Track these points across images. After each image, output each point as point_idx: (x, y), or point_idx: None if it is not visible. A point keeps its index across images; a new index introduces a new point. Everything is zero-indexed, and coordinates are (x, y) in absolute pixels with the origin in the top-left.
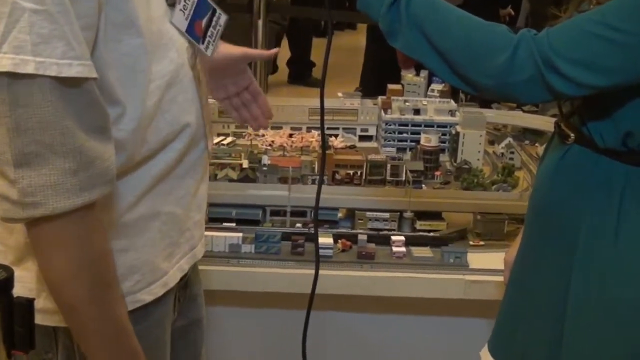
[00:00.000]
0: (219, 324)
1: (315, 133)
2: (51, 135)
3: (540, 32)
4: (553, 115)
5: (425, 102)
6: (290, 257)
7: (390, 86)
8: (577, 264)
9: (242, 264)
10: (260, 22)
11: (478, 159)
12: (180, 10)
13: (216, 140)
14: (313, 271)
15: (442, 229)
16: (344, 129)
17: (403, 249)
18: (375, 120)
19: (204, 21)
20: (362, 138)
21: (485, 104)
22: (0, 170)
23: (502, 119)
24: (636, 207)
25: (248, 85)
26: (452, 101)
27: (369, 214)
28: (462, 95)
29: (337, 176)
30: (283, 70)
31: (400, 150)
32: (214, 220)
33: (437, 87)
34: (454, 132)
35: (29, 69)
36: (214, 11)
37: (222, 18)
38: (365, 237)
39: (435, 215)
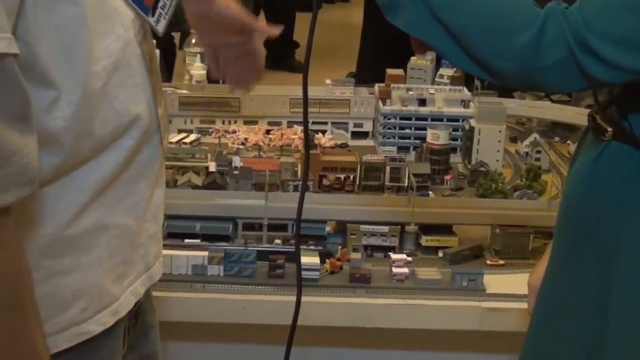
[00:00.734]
0: None
1: (298, 129)
2: None
3: (571, 5)
4: (588, 106)
5: (432, 91)
6: (267, 281)
7: (390, 71)
8: (618, 287)
9: (208, 289)
10: None
11: (497, 160)
12: None
13: (176, 137)
14: (295, 298)
15: (453, 245)
16: (333, 123)
17: (405, 269)
18: (371, 112)
19: None
20: (356, 135)
21: (506, 92)
22: None
23: (527, 111)
24: None
25: (239, 33)
26: (466, 89)
27: (363, 227)
28: (477, 83)
29: (325, 181)
30: None
31: (402, 149)
32: (174, 235)
33: (447, 72)
34: (467, 127)
35: None
36: None
37: None
38: (359, 255)
39: (445, 229)
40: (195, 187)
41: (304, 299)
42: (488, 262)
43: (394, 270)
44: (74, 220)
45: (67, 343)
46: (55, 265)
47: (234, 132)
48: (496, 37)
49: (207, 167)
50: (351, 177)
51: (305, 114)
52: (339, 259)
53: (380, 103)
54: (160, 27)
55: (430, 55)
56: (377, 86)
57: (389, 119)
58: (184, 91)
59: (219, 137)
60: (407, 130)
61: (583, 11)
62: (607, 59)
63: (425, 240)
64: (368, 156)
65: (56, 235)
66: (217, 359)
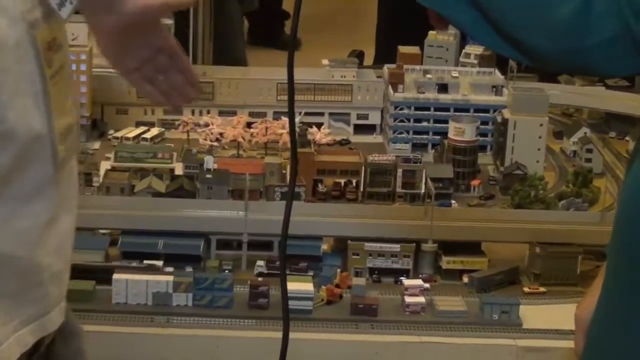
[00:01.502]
0: None
1: (287, 121)
2: None
3: None
4: None
5: (456, 74)
6: (247, 313)
7: (403, 49)
8: None
9: (173, 323)
10: None
11: (537, 161)
12: None
13: (133, 132)
14: (281, 334)
15: (481, 268)
16: (331, 114)
17: (421, 299)
18: (379, 101)
19: None
20: (360, 128)
21: (549, 76)
22: None
23: (575, 100)
24: None
25: (163, 45)
26: (498, 72)
27: (368, 245)
28: (512, 63)
29: (321, 187)
30: None
31: (418, 147)
32: (130, 255)
33: (474, 50)
34: (499, 119)
35: None
36: None
37: None
38: (363, 281)
39: (471, 248)
40: (157, 194)
41: (293, 335)
42: (525, 289)
43: (407, 299)
44: None
45: None
46: None
47: (207, 125)
48: (532, 7)
49: (172, 170)
50: (353, 182)
51: (291, 102)
52: (337, 286)
53: (390, 89)
54: (64, 13)
55: (454, 30)
56: (386, 68)
57: (401, 109)
58: None
59: (188, 132)
60: (424, 124)
61: None
62: None
63: (447, 262)
64: (375, 156)
65: None
66: None
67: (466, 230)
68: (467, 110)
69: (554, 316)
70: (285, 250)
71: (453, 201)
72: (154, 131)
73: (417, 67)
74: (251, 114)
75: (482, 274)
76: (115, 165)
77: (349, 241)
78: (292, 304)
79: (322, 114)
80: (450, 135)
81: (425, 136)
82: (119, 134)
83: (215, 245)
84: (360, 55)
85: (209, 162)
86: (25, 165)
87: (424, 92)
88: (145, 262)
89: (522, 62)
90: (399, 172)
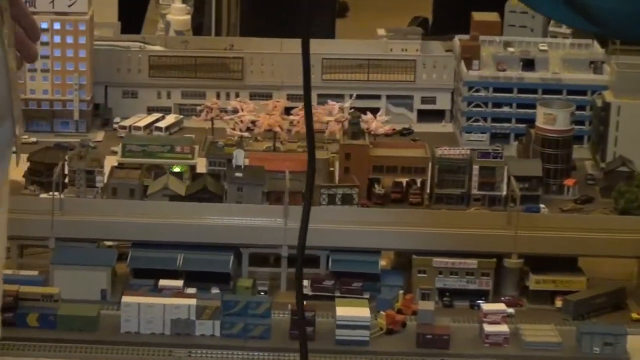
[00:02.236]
0: None
1: (336, 105)
2: None
3: None
4: None
5: (544, 47)
6: (288, 345)
7: (478, 16)
8: None
9: (196, 357)
10: None
11: None
12: None
13: (144, 121)
14: None
15: (578, 289)
16: (389, 97)
17: (505, 327)
18: (449, 81)
19: None
20: (425, 115)
21: None
22: None
23: None
24: None
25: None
26: (597, 44)
27: (438, 261)
28: None
29: (378, 188)
30: None
31: (498, 138)
32: (143, 273)
33: None
34: (599, 103)
35: None
36: None
37: None
38: (431, 305)
39: (566, 264)
40: (175, 197)
41: None
42: (634, 315)
43: (487, 328)
44: None
45: None
46: None
47: (235, 111)
48: None
49: (193, 167)
50: (418, 181)
51: (308, 86)
52: (399, 311)
53: (463, 66)
54: None
55: None
56: (457, 39)
57: (477, 90)
58: (157, 47)
59: (212, 120)
60: (505, 109)
61: None
62: None
63: (535, 282)
64: (444, 149)
65: None
66: None
67: (559, 242)
68: (559, 92)
69: None
70: (302, 269)
71: (542, 205)
72: (170, 119)
73: (497, 38)
74: (290, 98)
75: (580, 297)
76: (123, 161)
77: (414, 256)
78: (343, 334)
79: (378, 97)
80: (539, 123)
81: (506, 124)
82: (126, 123)
83: (248, 261)
84: (424, 23)
85: (239, 157)
86: None
87: (505, 70)
88: (162, 282)
89: (586, 29)
90: (475, 169)
